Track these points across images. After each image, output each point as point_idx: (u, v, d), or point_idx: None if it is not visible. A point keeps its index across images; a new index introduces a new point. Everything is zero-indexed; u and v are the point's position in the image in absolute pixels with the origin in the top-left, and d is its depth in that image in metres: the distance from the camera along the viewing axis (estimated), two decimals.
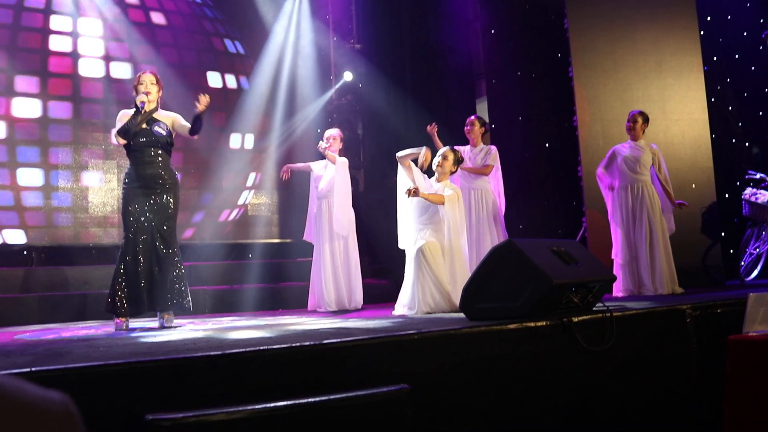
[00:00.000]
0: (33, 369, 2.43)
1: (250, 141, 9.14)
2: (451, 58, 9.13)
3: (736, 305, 4.30)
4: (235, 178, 9.01)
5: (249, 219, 9.09)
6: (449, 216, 5.30)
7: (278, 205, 9.25)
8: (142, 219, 4.77)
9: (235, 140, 9.03)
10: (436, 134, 6.57)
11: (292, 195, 9.26)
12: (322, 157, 6.62)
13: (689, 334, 4.22)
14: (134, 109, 4.85)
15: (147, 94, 4.82)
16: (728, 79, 8.99)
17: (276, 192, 9.24)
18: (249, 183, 9.16)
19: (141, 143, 4.83)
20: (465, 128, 6.75)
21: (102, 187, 8.08)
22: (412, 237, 5.46)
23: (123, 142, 4.92)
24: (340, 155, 6.54)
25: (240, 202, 9.08)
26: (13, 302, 6.29)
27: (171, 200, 4.85)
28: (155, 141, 4.83)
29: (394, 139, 8.78)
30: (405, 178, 5.55)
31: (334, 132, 6.71)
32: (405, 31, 9.21)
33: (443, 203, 5.32)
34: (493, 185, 6.69)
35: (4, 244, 7.61)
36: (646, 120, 6.49)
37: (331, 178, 6.47)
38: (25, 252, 7.64)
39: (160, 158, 4.84)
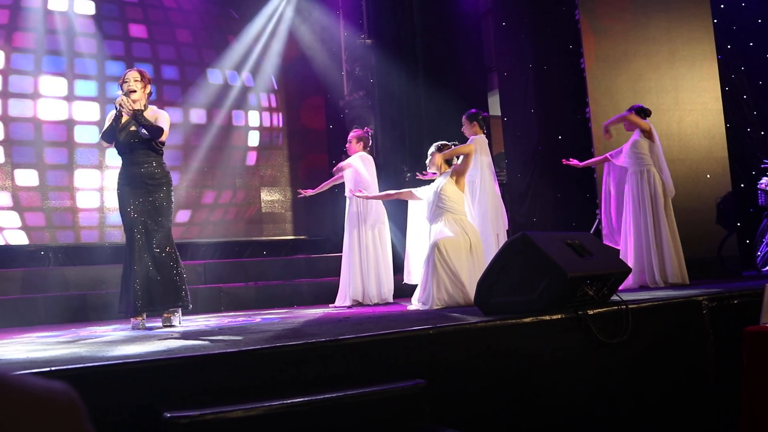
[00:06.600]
0: (53, 369, 2.46)
1: (257, 138, 9.17)
2: (462, 51, 9.10)
3: (752, 296, 4.27)
4: (247, 175, 9.04)
5: (263, 216, 9.12)
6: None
7: (291, 202, 9.27)
8: (137, 219, 4.67)
9: (248, 136, 9.06)
10: None
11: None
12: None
13: (706, 325, 4.20)
14: (115, 110, 4.69)
15: (131, 92, 4.65)
16: (743, 68, 8.90)
17: (289, 189, 9.26)
18: (261, 180, 9.18)
19: (129, 144, 4.70)
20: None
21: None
22: (425, 233, 5.49)
23: (107, 145, 4.89)
24: (366, 152, 6.76)
25: (253, 199, 9.10)
26: (31, 302, 6.35)
27: (163, 199, 4.72)
28: (142, 142, 4.68)
29: (406, 134, 8.78)
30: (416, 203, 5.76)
31: (350, 135, 6.86)
32: (416, 26, 9.19)
33: (469, 153, 5.57)
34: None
35: (22, 245, 7.68)
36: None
37: (350, 178, 6.69)
38: (42, 252, 7.71)
39: (149, 158, 4.71)
